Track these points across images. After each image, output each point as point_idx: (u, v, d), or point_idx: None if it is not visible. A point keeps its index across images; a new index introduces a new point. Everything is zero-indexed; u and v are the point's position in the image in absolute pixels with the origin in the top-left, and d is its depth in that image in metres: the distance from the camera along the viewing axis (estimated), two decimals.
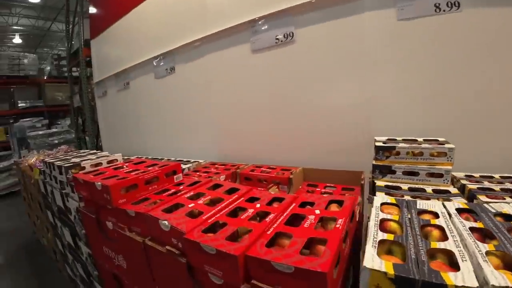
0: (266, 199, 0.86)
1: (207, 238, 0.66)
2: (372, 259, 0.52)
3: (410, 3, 1.19)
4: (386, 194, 0.87)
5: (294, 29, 1.46)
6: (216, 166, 1.59)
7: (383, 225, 0.67)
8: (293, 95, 1.53)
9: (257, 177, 1.37)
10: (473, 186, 0.87)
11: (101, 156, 1.54)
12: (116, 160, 1.54)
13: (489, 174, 0.99)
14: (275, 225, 0.70)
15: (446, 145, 0.94)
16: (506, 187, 0.87)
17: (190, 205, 0.84)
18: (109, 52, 2.72)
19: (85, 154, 1.73)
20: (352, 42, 1.34)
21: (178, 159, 1.81)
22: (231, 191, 0.97)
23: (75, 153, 1.82)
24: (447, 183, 0.93)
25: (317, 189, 1.32)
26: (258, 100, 1.66)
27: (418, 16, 1.18)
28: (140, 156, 2.04)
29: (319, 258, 0.55)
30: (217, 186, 1.03)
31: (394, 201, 0.76)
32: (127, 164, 1.24)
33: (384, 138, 1.13)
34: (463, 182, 0.92)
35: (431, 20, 1.16)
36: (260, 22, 1.56)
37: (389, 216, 0.68)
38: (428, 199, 0.81)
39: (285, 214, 0.76)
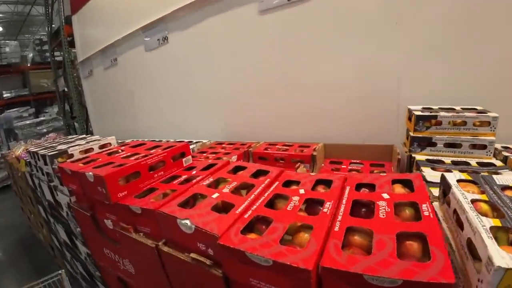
0: (308, 182, 0.66)
1: (253, 243, 0.46)
2: (499, 255, 0.35)
3: None
4: (432, 169, 0.75)
5: None
6: (223, 145, 1.37)
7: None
8: (309, 62, 1.30)
9: (273, 156, 1.16)
10: None
11: (92, 141, 1.30)
12: (110, 144, 1.30)
13: None
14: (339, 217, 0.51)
15: (490, 114, 0.82)
16: None
17: (214, 196, 0.63)
18: (92, 26, 2.37)
19: (73, 139, 1.47)
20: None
21: (178, 140, 1.58)
22: (259, 173, 0.76)
23: (63, 140, 1.57)
24: (490, 155, 0.82)
25: (342, 166, 1.13)
26: (268, 69, 1.41)
27: None
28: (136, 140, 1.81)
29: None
30: (239, 168, 0.81)
31: (469, 177, 0.58)
32: (123, 148, 1.00)
33: (419, 107, 0.97)
34: (505, 153, 0.81)
35: None
36: None
37: (476, 196, 0.51)
38: (475, 172, 0.70)
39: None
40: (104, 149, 1.12)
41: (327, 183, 0.65)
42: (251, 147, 1.26)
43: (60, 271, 1.33)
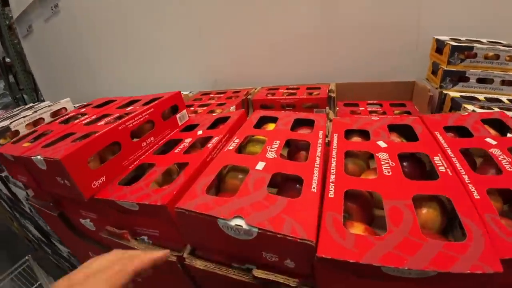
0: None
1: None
2: None
3: None
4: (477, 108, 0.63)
5: None
6: (211, 96, 1.07)
7: None
8: None
9: (280, 102, 0.91)
10: None
11: (41, 109, 0.94)
12: (65, 109, 0.95)
13: None
14: None
15: None
16: None
17: (258, 167, 0.39)
18: None
19: (17, 111, 1.08)
20: None
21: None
22: (297, 124, 0.53)
23: (7, 114, 1.15)
24: None
25: (361, 108, 0.92)
26: None
27: None
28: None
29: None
30: (265, 121, 0.56)
31: None
32: (83, 110, 0.67)
33: (447, 37, 0.81)
34: None
35: None
36: None
37: None
38: (510, 110, 0.61)
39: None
40: (58, 117, 0.77)
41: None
42: (249, 94, 0.99)
43: (26, 257, 1.07)
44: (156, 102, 0.57)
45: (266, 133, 0.48)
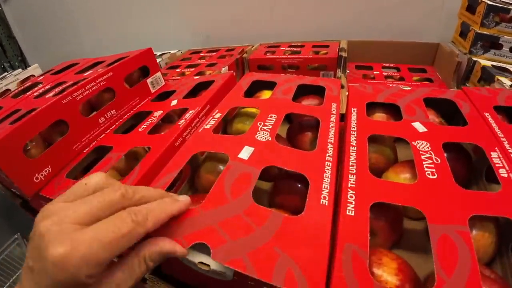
0: None
1: None
2: None
3: None
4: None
5: None
6: (202, 54, 0.91)
7: None
8: None
9: (281, 62, 0.75)
10: None
11: (11, 76, 0.79)
12: (33, 76, 0.80)
13: None
14: None
15: None
16: None
17: (242, 155, 0.26)
18: None
19: None
20: None
21: None
22: (299, 92, 0.39)
23: None
24: None
25: (375, 72, 0.77)
26: None
27: None
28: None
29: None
30: (256, 87, 0.42)
31: None
32: (41, 78, 0.54)
33: None
34: None
35: None
36: None
37: None
38: None
39: None
40: (19, 87, 0.63)
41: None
42: (245, 52, 0.83)
43: (15, 235, 0.99)
44: (118, 63, 0.42)
45: (259, 103, 0.35)
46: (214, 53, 0.89)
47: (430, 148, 0.27)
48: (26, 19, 1.81)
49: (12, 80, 0.75)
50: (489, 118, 0.32)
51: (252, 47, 0.87)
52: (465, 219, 0.20)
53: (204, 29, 1.12)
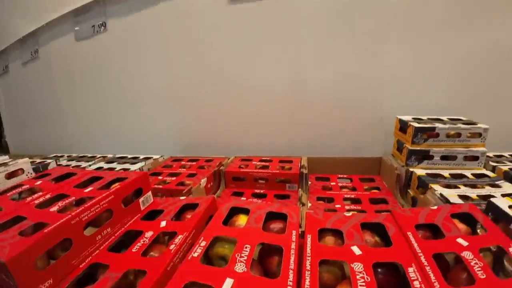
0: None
1: None
2: None
3: None
4: (442, 186, 0.66)
5: None
6: (183, 163, 1.03)
7: None
8: (286, 62, 1.06)
9: (253, 175, 0.89)
10: (504, 167, 0.75)
11: None
12: (22, 171, 0.86)
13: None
14: None
15: (480, 125, 0.78)
16: None
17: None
18: (12, 12, 1.73)
19: None
20: (368, 8, 0.96)
21: (118, 155, 1.18)
22: (270, 217, 0.49)
23: None
24: (481, 166, 0.78)
25: (331, 183, 0.92)
26: (236, 68, 1.12)
27: None
28: (60, 155, 1.32)
29: None
30: (236, 211, 0.52)
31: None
32: (39, 182, 0.61)
33: (409, 117, 0.89)
34: (492, 163, 0.79)
35: None
36: None
37: None
38: (476, 185, 0.67)
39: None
40: (11, 185, 0.68)
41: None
42: (222, 165, 0.97)
43: None
44: (118, 186, 0.52)
45: (236, 233, 0.45)
46: (194, 163, 1.02)
47: (363, 268, 0.37)
48: (14, 97, 1.92)
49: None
50: (410, 236, 0.43)
51: (228, 159, 1.01)
52: None
53: (186, 138, 1.28)
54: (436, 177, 0.73)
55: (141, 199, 0.57)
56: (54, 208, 0.47)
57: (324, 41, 1.01)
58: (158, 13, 1.18)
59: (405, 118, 0.88)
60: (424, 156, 0.79)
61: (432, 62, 0.96)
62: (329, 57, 1.02)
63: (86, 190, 0.53)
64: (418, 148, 0.79)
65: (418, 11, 0.92)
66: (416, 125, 0.79)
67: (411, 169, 0.79)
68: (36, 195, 0.53)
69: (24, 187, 0.60)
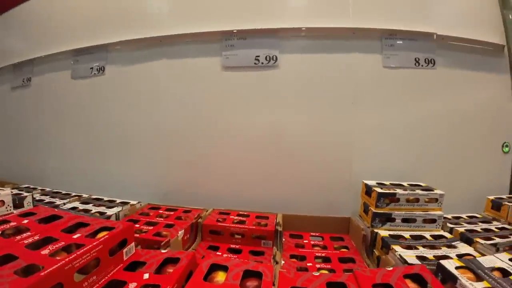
0: None
1: None
2: None
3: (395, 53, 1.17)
4: (403, 247, 0.74)
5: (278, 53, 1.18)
6: (160, 211, 1.05)
7: None
8: (266, 121, 1.20)
9: (230, 230, 0.93)
10: (461, 229, 0.86)
11: None
12: (2, 202, 0.84)
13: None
14: None
15: (437, 191, 0.89)
16: (487, 226, 0.90)
17: None
18: (7, 35, 1.78)
19: None
20: (340, 80, 1.17)
21: (94, 197, 1.15)
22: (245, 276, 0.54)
23: None
24: (438, 228, 0.87)
25: (304, 241, 0.98)
26: (221, 122, 1.23)
27: (400, 66, 1.16)
28: (33, 187, 1.26)
29: None
30: (215, 268, 0.56)
31: (461, 263, 0.58)
32: (26, 221, 0.61)
33: (373, 182, 1.00)
34: (450, 225, 0.90)
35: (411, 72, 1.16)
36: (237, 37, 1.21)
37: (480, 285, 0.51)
38: (434, 246, 0.75)
39: None
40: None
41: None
42: (200, 217, 1.00)
43: None
44: (106, 236, 0.55)
45: None
46: (172, 212, 1.04)
47: None
48: None
49: None
50: None
51: (207, 211, 1.05)
52: None
53: (166, 186, 1.31)
54: (398, 238, 0.81)
55: (125, 250, 0.60)
56: (45, 251, 0.49)
57: (301, 105, 1.17)
58: (156, 67, 1.29)
59: (370, 183, 0.99)
60: (387, 218, 0.88)
61: (395, 131, 1.14)
62: (304, 121, 1.17)
63: (75, 236, 0.55)
64: (382, 211, 0.88)
65: (381, 86, 1.14)
66: (379, 190, 0.89)
67: (375, 230, 0.87)
68: (25, 235, 0.55)
69: (11, 223, 0.61)
